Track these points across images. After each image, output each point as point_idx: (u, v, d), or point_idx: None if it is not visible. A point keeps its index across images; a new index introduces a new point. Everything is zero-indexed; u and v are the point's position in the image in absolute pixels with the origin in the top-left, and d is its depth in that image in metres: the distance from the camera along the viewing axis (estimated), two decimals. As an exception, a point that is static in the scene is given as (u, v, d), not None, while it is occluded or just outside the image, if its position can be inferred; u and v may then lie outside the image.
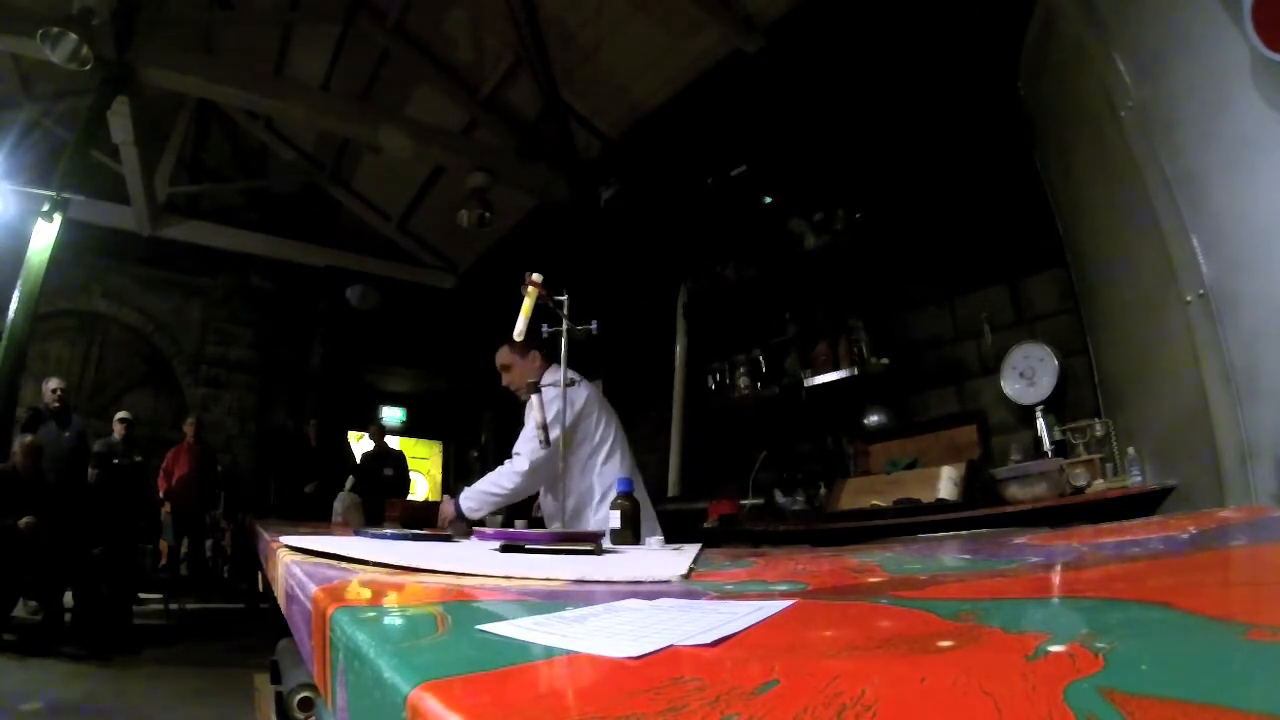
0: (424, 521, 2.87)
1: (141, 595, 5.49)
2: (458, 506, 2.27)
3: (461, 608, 0.54)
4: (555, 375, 2.31)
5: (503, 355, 2.47)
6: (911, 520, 3.16)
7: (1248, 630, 0.35)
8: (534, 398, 1.92)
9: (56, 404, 5.21)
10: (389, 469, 6.81)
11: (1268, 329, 1.82)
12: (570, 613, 0.46)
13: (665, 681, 0.29)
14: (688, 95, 4.90)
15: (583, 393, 2.32)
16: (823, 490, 3.92)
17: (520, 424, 2.16)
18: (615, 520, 1.59)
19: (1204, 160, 1.99)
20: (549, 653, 0.34)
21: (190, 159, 7.62)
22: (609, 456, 2.32)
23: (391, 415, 8.84)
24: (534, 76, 5.41)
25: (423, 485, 9.03)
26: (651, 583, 0.71)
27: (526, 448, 2.18)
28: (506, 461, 2.24)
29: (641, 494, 2.23)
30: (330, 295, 8.13)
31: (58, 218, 4.64)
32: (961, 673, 0.29)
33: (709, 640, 0.36)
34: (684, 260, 5.21)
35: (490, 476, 2.27)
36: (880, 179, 4.08)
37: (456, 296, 8.47)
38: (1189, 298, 2.02)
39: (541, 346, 2.41)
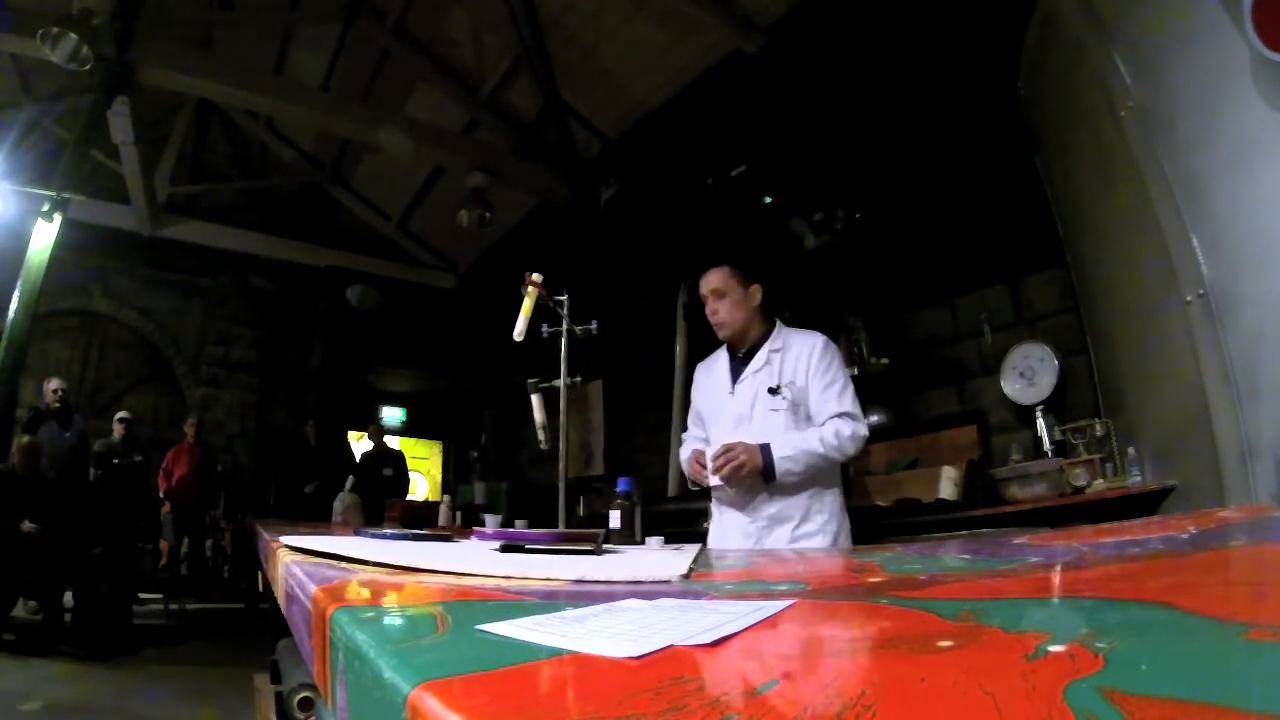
0: (424, 521, 2.86)
1: (141, 595, 5.49)
2: (768, 463, 1.80)
3: (461, 608, 0.54)
4: (782, 336, 1.98)
5: (719, 278, 1.96)
6: (911, 520, 3.17)
7: (1248, 630, 0.35)
8: (534, 397, 1.87)
9: (57, 404, 5.22)
10: (388, 469, 6.81)
11: (1268, 329, 1.82)
12: (570, 613, 0.46)
13: (665, 681, 0.28)
14: (687, 95, 4.90)
15: None
16: (823, 490, 3.92)
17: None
18: (615, 520, 1.59)
19: (1204, 160, 1.99)
20: (549, 653, 0.33)
21: (190, 159, 7.62)
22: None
23: (391, 415, 8.84)
24: (534, 76, 5.42)
25: (422, 485, 9.03)
26: (651, 583, 0.71)
27: (857, 409, 1.86)
28: (833, 421, 1.83)
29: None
30: (330, 295, 8.14)
31: (58, 218, 4.65)
32: (961, 673, 0.29)
33: (709, 640, 0.35)
34: (684, 260, 5.21)
35: (823, 439, 1.82)
36: (880, 179, 4.08)
37: (456, 296, 8.48)
38: (1189, 298, 2.02)
39: (762, 279, 1.97)
